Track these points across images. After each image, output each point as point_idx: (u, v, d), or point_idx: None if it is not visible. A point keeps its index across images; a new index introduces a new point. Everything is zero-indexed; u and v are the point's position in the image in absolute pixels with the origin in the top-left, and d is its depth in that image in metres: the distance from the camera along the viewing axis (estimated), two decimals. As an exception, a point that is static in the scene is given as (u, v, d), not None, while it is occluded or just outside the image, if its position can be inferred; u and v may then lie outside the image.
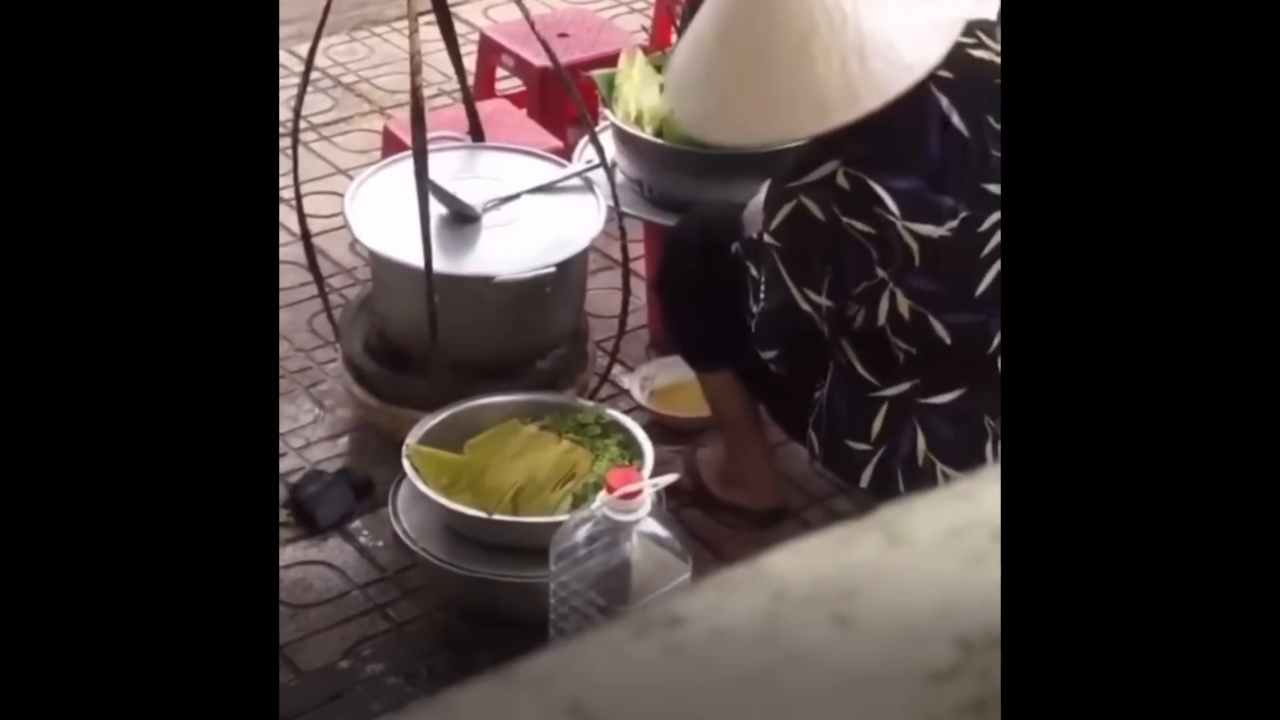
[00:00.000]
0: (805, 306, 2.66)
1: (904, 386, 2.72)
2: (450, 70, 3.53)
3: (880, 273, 2.61)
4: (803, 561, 0.66)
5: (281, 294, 3.65)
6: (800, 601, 0.63)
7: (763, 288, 2.73)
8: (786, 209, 2.62)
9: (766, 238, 2.68)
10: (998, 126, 2.61)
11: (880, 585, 0.64)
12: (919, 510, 0.70)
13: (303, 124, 3.32)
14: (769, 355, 2.78)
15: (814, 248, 2.62)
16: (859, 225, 2.58)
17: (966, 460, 2.74)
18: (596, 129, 3.29)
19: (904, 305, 2.64)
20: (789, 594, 0.63)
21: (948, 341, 2.66)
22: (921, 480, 2.75)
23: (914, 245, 2.59)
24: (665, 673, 0.59)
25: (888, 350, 2.71)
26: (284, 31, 4.56)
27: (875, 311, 2.66)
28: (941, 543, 0.67)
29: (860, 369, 2.74)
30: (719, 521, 3.13)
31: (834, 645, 0.60)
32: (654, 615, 0.62)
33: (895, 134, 2.58)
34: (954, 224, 2.59)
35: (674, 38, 3.69)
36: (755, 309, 2.77)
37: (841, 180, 2.56)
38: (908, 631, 0.61)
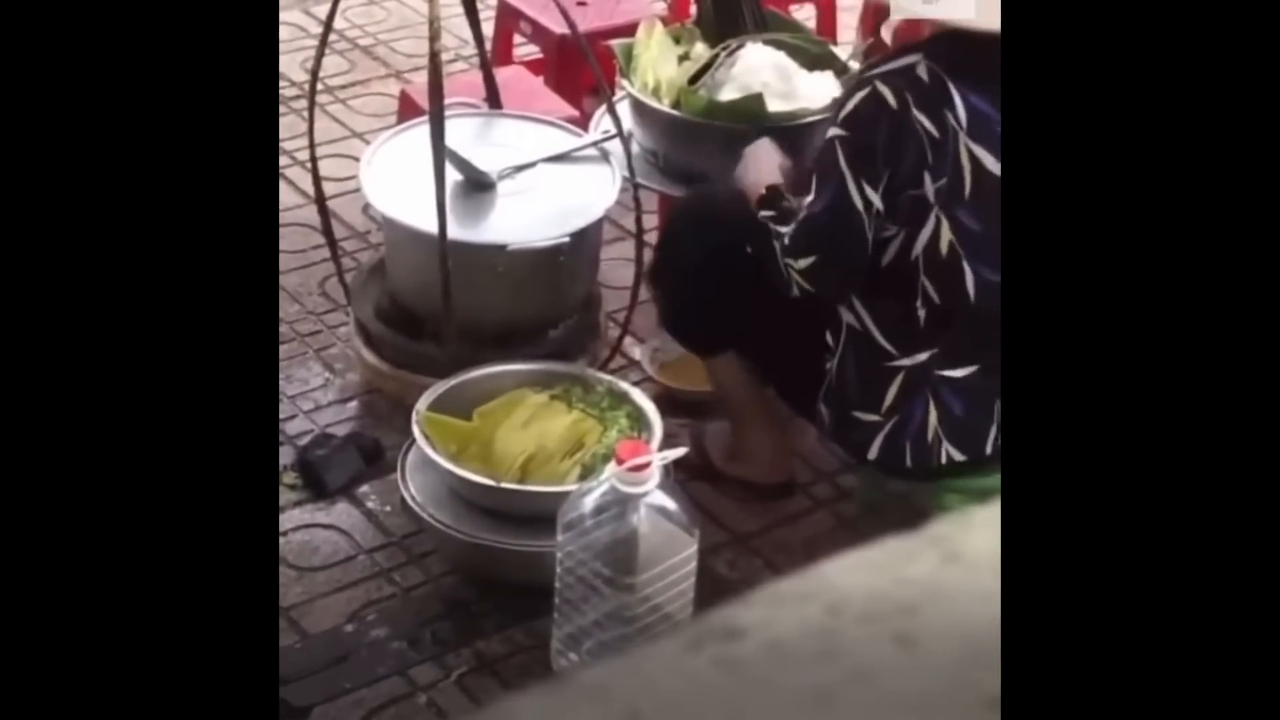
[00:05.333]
0: (858, 202, 2.63)
1: (922, 357, 2.72)
2: (468, 35, 3.53)
3: (928, 184, 2.60)
4: (859, 575, 0.65)
5: (293, 256, 3.65)
6: (857, 618, 0.63)
7: (810, 194, 2.70)
8: (860, 95, 2.63)
9: (832, 131, 2.67)
10: None
11: (939, 604, 0.64)
12: (975, 527, 0.70)
13: (319, 86, 3.31)
14: (805, 263, 2.70)
15: (882, 136, 2.61)
16: (926, 122, 2.58)
17: (970, 442, 2.74)
18: (613, 99, 3.28)
19: (945, 240, 2.63)
20: (846, 609, 0.63)
21: (971, 298, 2.66)
22: (926, 458, 2.74)
23: (968, 169, 2.59)
24: (725, 687, 0.59)
25: (909, 310, 2.69)
26: (302, -8, 4.56)
27: (914, 239, 2.65)
28: (999, 562, 0.67)
29: (877, 336, 2.73)
30: (727, 496, 3.13)
31: (894, 666, 0.60)
32: (710, 627, 0.62)
33: (983, 51, 2.54)
34: None
35: (693, 10, 3.67)
36: (785, 229, 2.73)
37: (922, 72, 2.58)
38: (968, 653, 0.61)
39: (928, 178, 2.60)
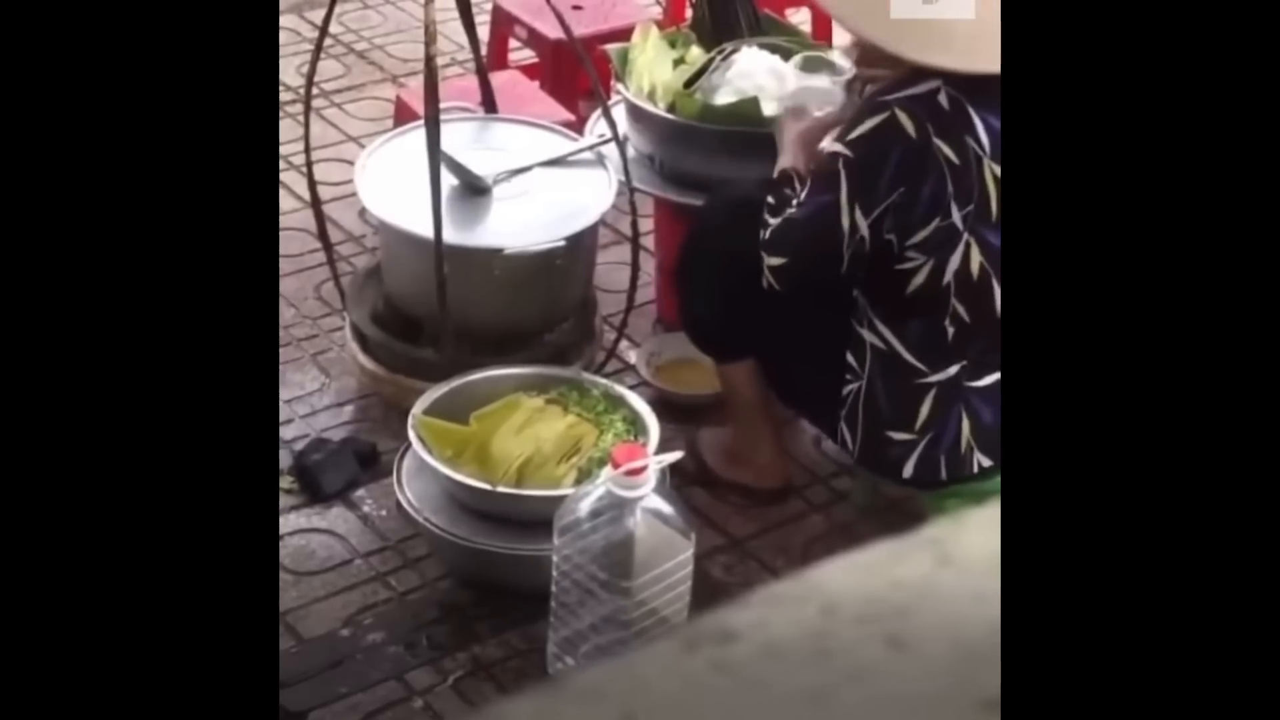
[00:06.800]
0: (844, 222, 2.62)
1: (952, 370, 2.72)
2: (463, 40, 3.53)
3: (955, 212, 2.60)
4: (853, 577, 0.66)
5: (289, 261, 3.65)
6: (852, 619, 0.63)
7: (801, 196, 2.70)
8: (876, 120, 2.60)
9: (837, 146, 2.65)
10: None
11: (932, 606, 0.64)
12: (969, 529, 0.70)
13: (315, 91, 3.31)
14: (776, 262, 2.72)
15: (891, 165, 2.59)
16: (947, 150, 2.57)
17: (997, 448, 2.75)
18: (609, 103, 3.28)
19: (976, 262, 2.63)
20: (840, 611, 0.63)
21: (999, 313, 2.66)
22: (960, 469, 2.75)
23: (993, 192, 2.59)
24: (719, 689, 0.59)
25: (936, 324, 2.69)
26: (298, -3, 4.56)
27: (944, 265, 2.64)
28: (994, 564, 0.68)
29: (906, 355, 2.73)
30: (723, 500, 3.12)
31: (888, 667, 0.60)
32: (704, 629, 0.62)
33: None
34: None
35: (688, 13, 3.68)
36: (773, 220, 2.74)
37: (942, 99, 2.57)
38: (961, 656, 0.61)
39: (954, 206, 2.60)
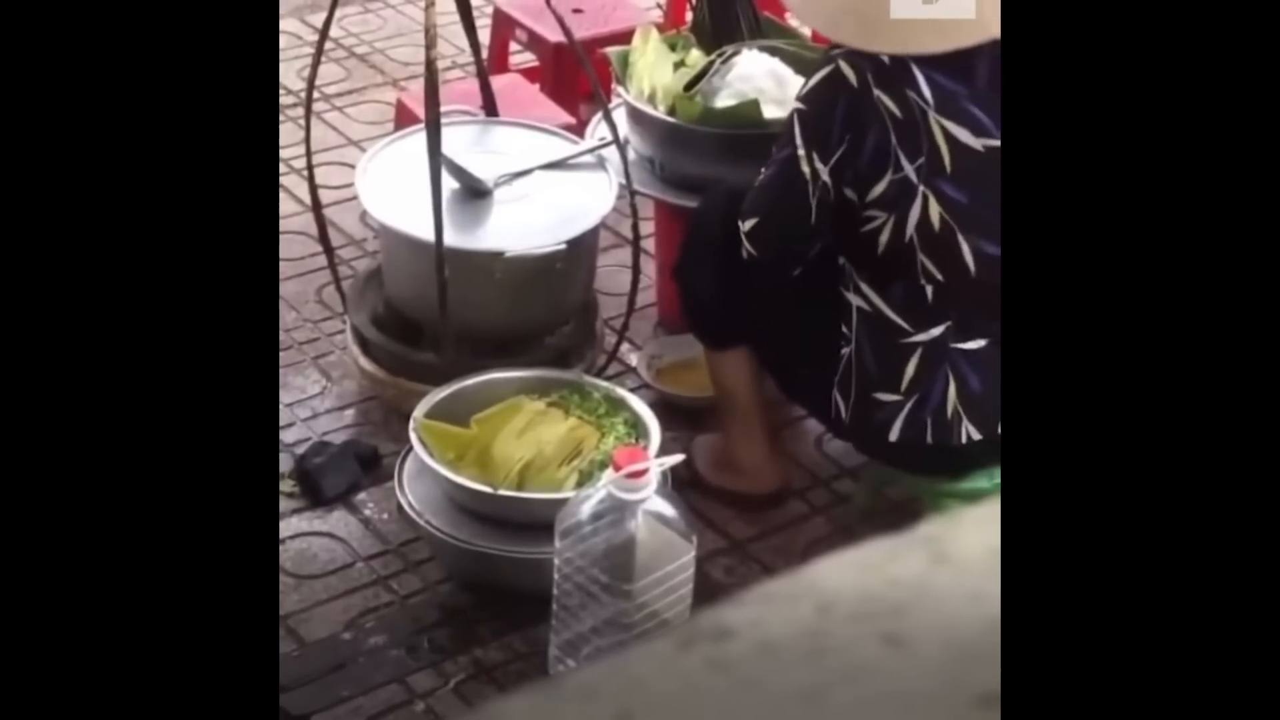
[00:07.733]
0: (804, 169, 2.71)
1: (936, 331, 2.75)
2: (464, 43, 3.53)
3: (906, 165, 2.66)
4: (848, 575, 0.66)
5: (290, 264, 3.65)
6: (848, 618, 0.63)
7: (769, 161, 2.78)
8: (823, 72, 2.70)
9: (795, 104, 2.75)
10: None
11: (928, 604, 0.64)
12: (965, 527, 0.70)
13: (315, 94, 3.31)
14: (749, 224, 2.79)
15: (838, 113, 2.68)
16: (888, 101, 2.64)
17: (985, 421, 2.76)
18: (609, 106, 3.28)
19: (935, 213, 2.68)
20: (836, 609, 0.63)
21: (971, 270, 2.69)
22: (947, 435, 2.76)
23: (944, 145, 2.65)
24: (714, 688, 0.59)
25: (914, 284, 2.72)
26: (298, 1, 4.56)
27: (905, 219, 2.69)
28: (989, 562, 0.68)
29: (889, 313, 2.76)
30: (721, 503, 3.12)
31: (883, 665, 0.60)
32: (700, 627, 0.62)
33: None
34: (990, 143, 2.65)
35: (688, 16, 3.68)
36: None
37: (884, 55, 2.64)
38: (957, 653, 0.61)
39: (904, 158, 2.66)
